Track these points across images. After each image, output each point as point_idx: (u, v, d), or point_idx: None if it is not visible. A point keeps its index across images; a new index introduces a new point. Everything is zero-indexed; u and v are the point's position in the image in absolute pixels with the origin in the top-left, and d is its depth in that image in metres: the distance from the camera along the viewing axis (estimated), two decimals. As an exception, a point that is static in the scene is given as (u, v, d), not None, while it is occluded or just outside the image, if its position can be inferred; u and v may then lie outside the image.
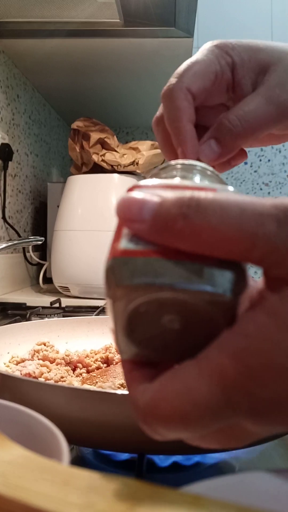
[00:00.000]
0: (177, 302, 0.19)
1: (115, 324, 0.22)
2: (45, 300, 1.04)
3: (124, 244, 0.21)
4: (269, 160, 1.86)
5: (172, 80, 0.36)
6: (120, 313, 0.21)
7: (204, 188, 0.21)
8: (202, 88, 0.35)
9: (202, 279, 0.19)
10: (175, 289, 0.19)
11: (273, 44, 0.37)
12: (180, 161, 0.26)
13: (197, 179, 0.25)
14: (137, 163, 1.10)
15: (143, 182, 0.22)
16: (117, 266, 0.20)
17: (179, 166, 0.26)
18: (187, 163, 0.26)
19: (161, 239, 0.20)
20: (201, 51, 0.37)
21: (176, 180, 0.24)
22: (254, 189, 1.88)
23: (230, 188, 0.22)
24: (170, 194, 0.20)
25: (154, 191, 0.21)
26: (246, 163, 1.88)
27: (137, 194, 0.20)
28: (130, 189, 0.22)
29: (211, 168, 0.26)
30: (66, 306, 0.96)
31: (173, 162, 0.26)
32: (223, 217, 0.18)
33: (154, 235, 0.20)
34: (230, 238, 0.18)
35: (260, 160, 1.87)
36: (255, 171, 1.88)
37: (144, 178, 1.17)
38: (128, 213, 0.20)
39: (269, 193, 1.88)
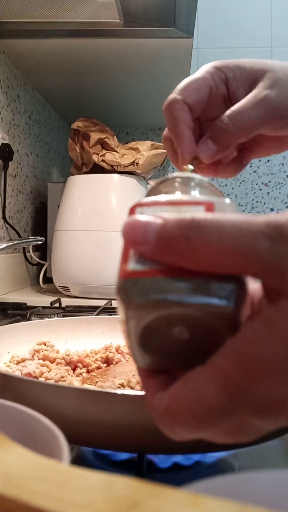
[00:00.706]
0: (185, 315, 0.21)
1: (129, 338, 0.24)
2: (45, 300, 1.04)
3: (132, 265, 0.22)
4: (268, 160, 1.86)
5: (171, 95, 0.41)
6: (133, 329, 0.23)
7: (202, 203, 0.23)
8: (198, 100, 0.40)
9: (205, 293, 0.21)
10: (182, 305, 0.21)
11: (262, 60, 0.42)
12: (177, 174, 0.28)
13: (195, 193, 0.27)
14: (137, 163, 1.10)
15: (144, 200, 0.24)
16: (127, 286, 0.22)
17: (177, 179, 0.28)
18: (184, 176, 0.28)
19: (166, 259, 0.22)
20: (199, 70, 0.43)
21: (176, 196, 0.26)
22: (253, 189, 1.88)
23: (227, 200, 0.24)
24: (171, 216, 0.22)
25: (155, 209, 0.23)
26: (246, 163, 1.88)
27: (141, 217, 0.22)
28: (133, 208, 0.24)
29: (206, 179, 0.28)
30: (66, 306, 0.96)
31: (171, 176, 0.28)
32: (221, 237, 0.20)
33: (159, 256, 0.22)
34: (227, 255, 0.20)
35: (260, 161, 1.87)
36: (255, 171, 1.88)
37: (144, 178, 1.17)
38: (133, 236, 0.22)
39: (268, 193, 1.88)
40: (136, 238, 0.22)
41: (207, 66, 0.43)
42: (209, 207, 0.23)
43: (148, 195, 0.28)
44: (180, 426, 0.22)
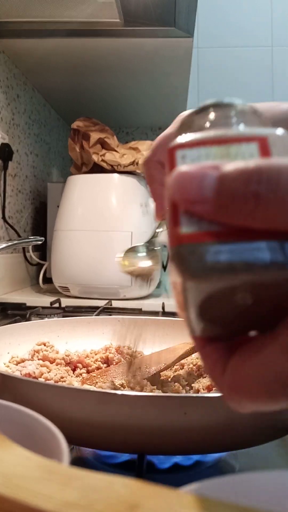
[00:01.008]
0: (251, 282, 0.19)
1: (185, 307, 0.21)
2: (45, 300, 1.04)
3: (185, 228, 0.19)
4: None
5: (147, 153, 0.42)
6: (191, 298, 0.20)
7: (254, 138, 0.20)
8: None
9: (277, 256, 0.18)
10: (250, 271, 0.18)
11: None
12: (215, 101, 0.23)
13: (240, 126, 0.22)
14: (137, 163, 1.10)
15: (185, 139, 0.20)
16: (183, 254, 0.19)
17: (216, 108, 0.23)
18: (224, 103, 0.23)
19: (228, 219, 0.18)
20: (174, 122, 0.40)
21: (221, 132, 0.21)
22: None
23: (279, 131, 0.20)
24: (230, 167, 0.18)
25: (200, 152, 0.19)
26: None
27: (191, 169, 0.19)
28: (173, 151, 0.20)
29: (249, 105, 0.23)
30: (66, 306, 0.96)
31: (207, 103, 0.23)
32: None
33: (219, 216, 0.18)
34: None
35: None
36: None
37: (144, 178, 1.17)
38: (186, 195, 0.18)
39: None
40: (189, 197, 0.18)
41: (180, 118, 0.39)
42: (263, 145, 0.20)
43: (183, 129, 0.23)
44: (249, 400, 0.20)
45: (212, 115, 0.23)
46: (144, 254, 0.45)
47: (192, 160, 0.20)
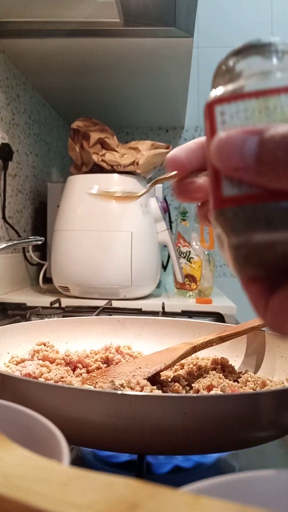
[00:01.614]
0: None
1: (231, 261, 0.22)
2: (45, 300, 1.04)
3: (228, 191, 0.20)
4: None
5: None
6: (235, 252, 0.21)
7: None
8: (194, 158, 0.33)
9: None
10: (286, 227, 0.19)
11: None
12: (251, 42, 0.23)
13: (278, 73, 0.21)
14: (137, 163, 1.10)
15: (223, 92, 0.20)
16: (227, 216, 0.20)
17: (250, 52, 0.22)
18: (262, 43, 0.22)
19: (270, 183, 0.19)
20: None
21: (257, 81, 0.20)
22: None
23: None
24: (271, 132, 0.18)
25: (239, 107, 0.19)
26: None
27: (232, 135, 0.19)
28: (211, 106, 0.20)
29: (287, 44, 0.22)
30: (66, 306, 0.96)
31: (244, 45, 0.23)
32: None
33: (261, 180, 0.19)
34: None
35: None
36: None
37: (144, 178, 1.17)
38: (228, 161, 0.19)
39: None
40: (230, 164, 0.19)
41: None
42: None
43: (220, 76, 0.22)
44: None
45: (248, 60, 0.22)
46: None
47: (231, 116, 0.20)
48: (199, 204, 0.30)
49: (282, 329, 0.22)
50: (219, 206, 0.20)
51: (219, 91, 0.21)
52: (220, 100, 0.20)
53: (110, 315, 0.90)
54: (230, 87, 0.21)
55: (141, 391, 0.40)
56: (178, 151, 0.29)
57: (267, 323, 0.23)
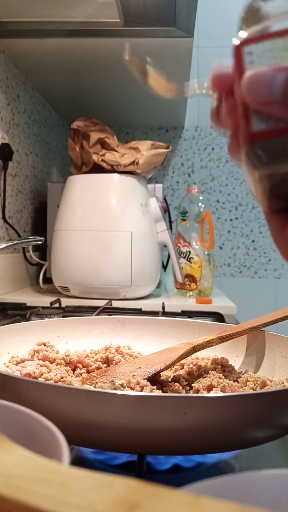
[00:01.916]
0: None
1: (257, 193, 0.24)
2: (45, 300, 1.04)
3: (256, 126, 0.21)
4: (269, 160, 1.86)
5: None
6: (263, 186, 0.23)
7: None
8: None
9: None
10: None
11: None
12: None
13: None
14: (137, 163, 1.10)
15: (250, 34, 0.21)
16: (256, 149, 0.22)
17: None
18: None
19: None
20: None
21: (284, 20, 0.21)
22: (254, 189, 1.88)
23: None
24: None
25: (266, 46, 0.21)
26: (246, 163, 1.88)
27: (261, 72, 0.20)
28: (240, 48, 0.21)
29: None
30: (66, 306, 0.96)
31: None
32: None
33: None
34: None
35: (260, 160, 1.87)
36: (255, 171, 1.88)
37: (144, 178, 1.17)
38: (257, 96, 0.20)
39: (269, 193, 1.88)
40: (261, 98, 0.20)
41: None
42: None
43: (247, 17, 0.23)
44: None
45: (274, 2, 0.23)
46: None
47: (259, 56, 0.21)
48: (230, 139, 0.31)
49: None
50: (249, 141, 0.22)
51: (246, 32, 0.22)
52: (248, 41, 0.22)
53: (110, 315, 0.90)
54: (257, 28, 0.22)
55: (141, 391, 0.40)
56: (224, 68, 0.30)
57: (282, 252, 0.26)
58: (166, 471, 0.36)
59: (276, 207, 0.26)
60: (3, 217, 1.16)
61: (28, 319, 0.80)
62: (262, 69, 0.20)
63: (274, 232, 0.27)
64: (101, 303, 1.00)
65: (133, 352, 0.54)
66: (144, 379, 0.42)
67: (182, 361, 0.50)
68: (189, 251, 1.21)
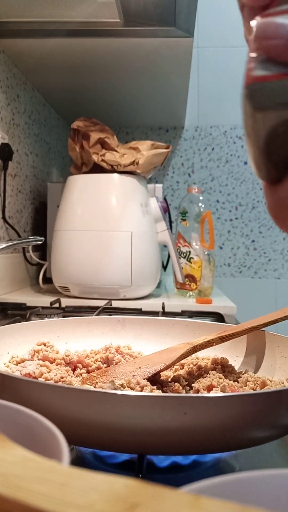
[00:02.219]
0: None
1: (254, 147, 0.24)
2: (45, 300, 1.04)
3: (258, 71, 0.22)
4: (269, 160, 1.86)
5: None
6: (259, 136, 0.23)
7: None
8: None
9: None
10: None
11: None
12: None
13: None
14: (137, 163, 1.10)
15: (272, 10, 0.23)
16: (254, 90, 0.22)
17: None
18: None
19: None
20: None
21: None
22: (254, 188, 1.88)
23: None
24: None
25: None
26: (246, 163, 1.88)
27: (267, 19, 0.22)
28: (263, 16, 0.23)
29: None
30: (66, 306, 0.96)
31: None
32: None
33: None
34: None
35: (260, 160, 1.86)
36: (255, 171, 1.88)
37: (144, 178, 1.17)
38: (263, 39, 0.22)
39: (269, 193, 1.88)
40: (265, 41, 0.22)
41: None
42: None
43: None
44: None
45: None
46: None
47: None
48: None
49: (279, 215, 0.25)
50: (247, 84, 0.23)
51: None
52: (271, 13, 0.23)
53: (110, 315, 0.90)
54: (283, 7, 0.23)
55: (141, 391, 0.40)
56: None
57: (270, 210, 0.26)
58: (166, 470, 0.36)
59: (271, 176, 0.25)
60: (3, 217, 1.16)
61: (28, 319, 0.80)
62: (270, 16, 0.23)
63: (265, 189, 0.27)
64: (101, 303, 1.00)
65: (133, 352, 0.54)
66: (144, 379, 0.42)
67: (182, 361, 0.50)
68: (189, 251, 1.21)
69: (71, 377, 0.46)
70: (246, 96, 0.23)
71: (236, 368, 0.51)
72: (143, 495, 0.17)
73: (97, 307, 0.92)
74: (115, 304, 1.03)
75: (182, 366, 0.50)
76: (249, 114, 0.23)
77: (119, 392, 0.31)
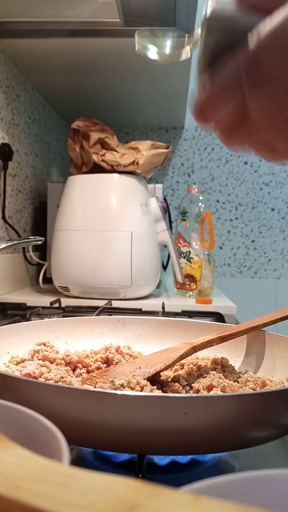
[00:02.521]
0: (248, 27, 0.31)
1: (202, 61, 0.35)
2: (45, 300, 1.04)
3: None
4: (269, 160, 1.86)
5: None
6: (206, 45, 0.35)
7: None
8: None
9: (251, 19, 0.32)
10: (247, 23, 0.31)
11: None
12: None
13: None
14: (137, 163, 1.10)
15: None
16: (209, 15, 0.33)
17: None
18: None
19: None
20: None
21: None
22: (254, 189, 1.88)
23: None
24: None
25: None
26: (246, 163, 1.88)
27: None
28: None
29: None
30: (66, 306, 0.96)
31: None
32: None
33: None
34: None
35: (260, 160, 1.86)
36: (255, 171, 1.88)
37: (144, 178, 1.17)
38: None
39: (269, 193, 1.88)
40: None
41: None
42: None
43: None
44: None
45: None
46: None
47: None
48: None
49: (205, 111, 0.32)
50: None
51: None
52: None
53: (110, 315, 0.90)
54: None
55: (141, 391, 0.40)
56: None
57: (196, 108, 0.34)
58: (166, 470, 0.36)
59: (210, 92, 0.33)
60: (3, 217, 1.16)
61: (28, 319, 0.80)
62: None
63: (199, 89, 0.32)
64: (101, 303, 1.00)
65: (133, 352, 0.54)
66: (144, 379, 0.42)
67: (182, 361, 0.50)
68: (189, 251, 1.21)
69: (71, 377, 0.46)
70: (203, 22, 0.31)
71: (236, 368, 0.51)
72: (143, 495, 0.17)
73: (97, 307, 0.92)
74: (115, 304, 1.03)
75: (182, 366, 0.50)
76: (202, 28, 0.33)
77: (119, 392, 0.31)
